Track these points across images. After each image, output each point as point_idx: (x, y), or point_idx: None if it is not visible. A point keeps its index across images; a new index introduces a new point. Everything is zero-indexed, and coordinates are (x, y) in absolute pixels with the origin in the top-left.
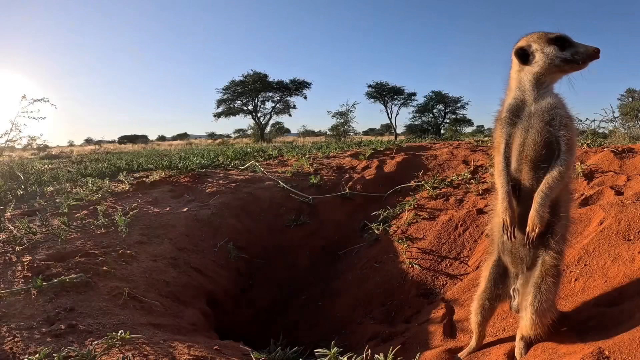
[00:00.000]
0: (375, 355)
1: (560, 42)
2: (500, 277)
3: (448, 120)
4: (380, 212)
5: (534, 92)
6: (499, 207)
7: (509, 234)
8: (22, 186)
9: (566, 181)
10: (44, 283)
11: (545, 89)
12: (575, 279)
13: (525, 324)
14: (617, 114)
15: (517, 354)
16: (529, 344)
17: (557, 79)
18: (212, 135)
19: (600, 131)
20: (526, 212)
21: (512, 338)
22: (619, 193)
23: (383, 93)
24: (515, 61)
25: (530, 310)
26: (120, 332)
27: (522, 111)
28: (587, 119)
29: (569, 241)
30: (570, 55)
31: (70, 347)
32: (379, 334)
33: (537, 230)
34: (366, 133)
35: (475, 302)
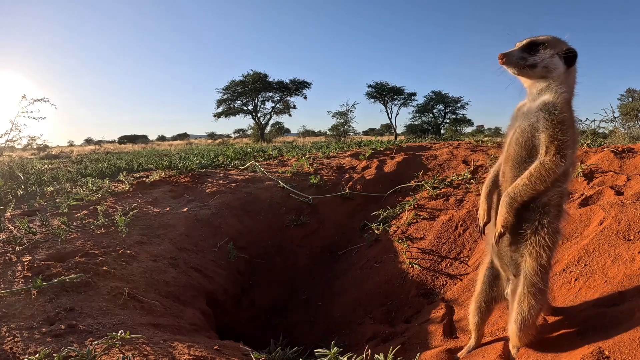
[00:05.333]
0: (375, 355)
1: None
2: (494, 280)
3: (448, 120)
4: (380, 212)
5: None
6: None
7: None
8: (22, 186)
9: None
10: (44, 283)
11: None
12: (575, 279)
13: (511, 336)
14: (617, 114)
15: (513, 354)
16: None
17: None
18: (212, 135)
19: (600, 131)
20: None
21: None
22: (619, 193)
23: (383, 93)
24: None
25: (514, 326)
26: (120, 332)
27: None
28: (587, 119)
29: (556, 256)
30: None
31: (70, 347)
32: (379, 334)
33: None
34: (366, 133)
35: (472, 304)
